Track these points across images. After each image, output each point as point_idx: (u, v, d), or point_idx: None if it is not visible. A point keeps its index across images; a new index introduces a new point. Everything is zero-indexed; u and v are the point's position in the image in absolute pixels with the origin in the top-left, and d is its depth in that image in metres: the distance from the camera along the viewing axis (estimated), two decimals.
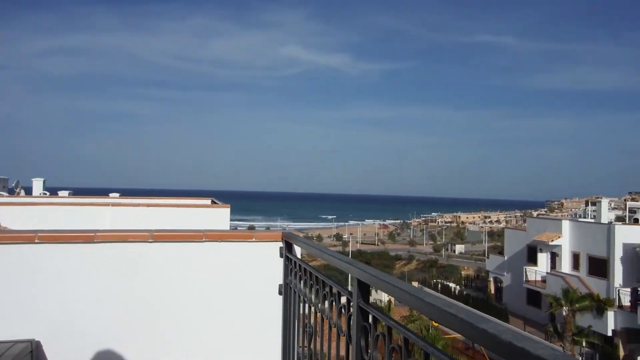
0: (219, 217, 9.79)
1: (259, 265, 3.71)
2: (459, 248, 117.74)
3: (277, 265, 3.69)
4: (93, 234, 3.59)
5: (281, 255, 3.68)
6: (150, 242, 3.59)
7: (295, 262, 3.35)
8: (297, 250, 3.63)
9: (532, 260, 42.64)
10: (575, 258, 39.38)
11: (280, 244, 3.72)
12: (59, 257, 3.56)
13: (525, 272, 41.83)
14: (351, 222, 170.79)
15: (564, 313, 34.22)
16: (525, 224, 50.95)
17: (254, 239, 3.75)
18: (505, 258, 47.22)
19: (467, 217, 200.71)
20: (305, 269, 3.08)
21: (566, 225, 40.33)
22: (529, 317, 39.84)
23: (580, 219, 42.99)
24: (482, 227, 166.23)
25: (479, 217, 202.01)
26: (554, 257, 40.97)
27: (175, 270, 3.59)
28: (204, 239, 3.62)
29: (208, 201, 17.79)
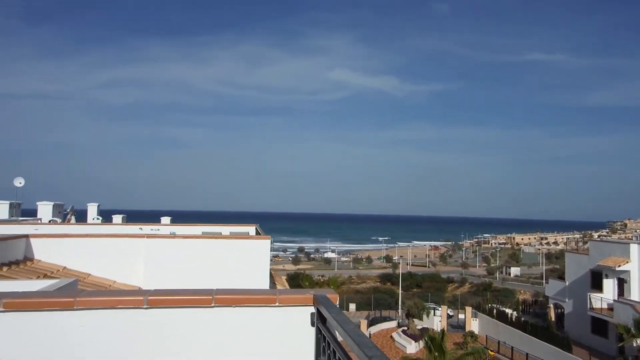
0: (259, 250, 9.14)
1: (284, 338, 2.89)
2: (514, 271, 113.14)
3: (308, 338, 2.88)
4: (72, 300, 2.85)
5: (312, 324, 2.88)
6: (145, 308, 2.86)
7: (329, 337, 2.55)
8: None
9: (597, 287, 39.89)
10: None
11: (312, 309, 2.91)
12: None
13: (590, 299, 39.13)
14: (401, 244, 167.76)
15: (635, 344, 31.65)
16: (587, 246, 48.04)
17: (277, 304, 2.93)
18: (567, 283, 44.47)
19: (522, 239, 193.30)
20: (342, 352, 2.27)
21: (635, 249, 37.56)
22: (595, 347, 37.14)
23: None
24: (538, 249, 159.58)
25: (535, 238, 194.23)
26: (622, 283, 38.16)
27: (175, 345, 2.83)
28: (213, 304, 2.86)
29: (252, 228, 17.30)
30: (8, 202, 25.61)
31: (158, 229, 16.25)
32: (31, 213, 28.44)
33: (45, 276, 7.81)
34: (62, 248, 8.75)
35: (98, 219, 30.99)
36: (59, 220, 25.78)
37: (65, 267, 8.61)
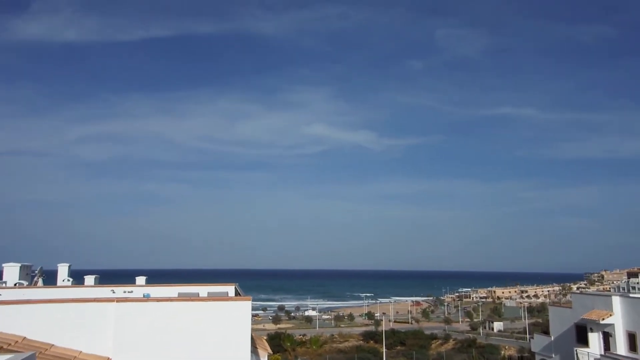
0: (239, 312, 8.49)
1: None
2: (497, 325, 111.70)
3: None
4: None
5: None
6: None
7: None
8: None
9: (583, 341, 39.15)
10: (632, 338, 35.96)
11: None
12: None
13: (577, 354, 38.28)
14: (382, 300, 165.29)
15: None
16: (568, 299, 47.63)
17: None
18: (552, 338, 43.64)
19: (503, 292, 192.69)
20: None
21: (617, 301, 37.18)
22: None
23: (631, 294, 39.69)
24: (519, 302, 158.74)
25: (515, 291, 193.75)
26: (607, 337, 37.54)
27: None
28: None
29: (232, 288, 16.53)
30: None
31: (131, 291, 15.39)
32: None
33: (1, 349, 7.04)
34: (22, 316, 7.96)
35: (69, 280, 29.60)
36: (25, 283, 24.50)
37: (25, 338, 7.81)
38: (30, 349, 7.39)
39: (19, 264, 26.36)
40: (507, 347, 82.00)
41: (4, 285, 23.47)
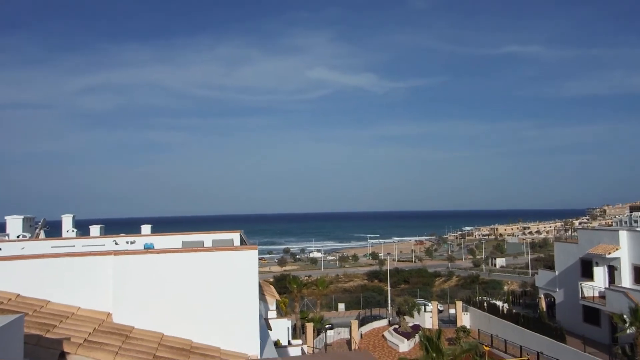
0: (246, 262, 8.05)
1: None
2: (500, 262, 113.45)
3: None
4: None
5: None
6: None
7: None
8: None
9: (588, 275, 39.49)
10: (637, 271, 36.20)
11: None
12: None
13: (581, 287, 38.69)
14: (386, 240, 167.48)
15: (629, 332, 31.23)
16: (570, 234, 47.82)
17: None
18: (557, 273, 44.07)
19: (505, 229, 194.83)
20: None
21: (624, 235, 37.19)
22: (588, 337, 36.69)
23: (638, 229, 39.65)
24: (521, 238, 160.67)
25: (517, 228, 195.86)
26: (612, 270, 37.79)
27: None
28: None
29: (237, 235, 16.14)
30: None
31: (134, 241, 15.02)
32: (0, 228, 26.83)
33: None
34: (16, 272, 7.53)
35: (73, 231, 29.41)
36: (28, 235, 24.26)
37: (19, 295, 7.40)
38: (25, 307, 6.97)
39: (22, 216, 26.04)
40: (509, 282, 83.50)
41: (6, 238, 23.24)
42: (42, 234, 25.90)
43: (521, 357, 35.40)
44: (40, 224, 27.43)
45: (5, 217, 26.02)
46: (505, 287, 77.57)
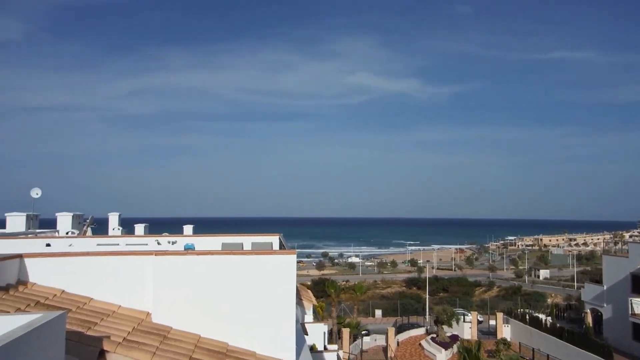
0: (284, 266, 8.04)
1: None
2: (544, 273, 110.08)
3: None
4: None
5: None
6: None
7: None
8: None
9: (639, 291, 37.83)
10: None
11: None
12: None
13: (631, 304, 37.11)
14: (425, 247, 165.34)
15: None
16: (620, 247, 45.89)
17: None
18: (605, 287, 42.39)
19: (550, 240, 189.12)
20: None
21: None
22: (637, 355, 35.15)
23: None
24: (567, 250, 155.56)
25: (563, 239, 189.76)
26: None
27: None
28: None
29: (275, 238, 16.22)
30: (25, 214, 24.99)
31: (175, 241, 15.30)
32: (51, 224, 27.83)
33: (38, 304, 6.80)
34: (60, 269, 7.76)
35: (119, 229, 30.25)
36: (77, 232, 25.07)
37: (63, 291, 7.60)
38: (69, 303, 7.15)
39: (72, 214, 26.96)
40: (553, 295, 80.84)
41: (56, 234, 24.10)
42: (89, 231, 26.71)
43: None
44: (88, 221, 28.30)
45: (56, 214, 26.99)
46: (549, 300, 75.13)
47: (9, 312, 6.06)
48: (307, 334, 16.25)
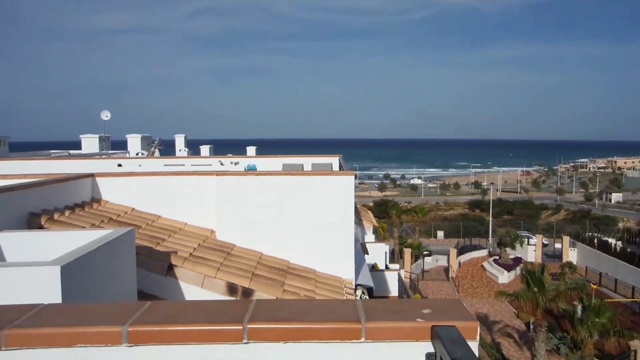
0: (343, 187, 8.05)
1: None
2: (616, 197, 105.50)
3: None
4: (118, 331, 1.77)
5: None
6: (245, 343, 1.77)
7: None
8: None
9: None
10: None
11: (427, 347, 1.64)
12: None
13: None
14: (490, 170, 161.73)
15: None
16: None
17: (363, 340, 1.67)
18: None
19: (625, 162, 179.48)
20: None
21: None
22: None
23: None
24: None
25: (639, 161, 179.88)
26: None
27: None
28: (283, 340, 1.72)
29: (335, 159, 16.23)
30: (97, 135, 26.24)
31: (238, 162, 15.65)
32: (122, 145, 29.18)
33: (111, 220, 7.21)
34: (132, 188, 8.16)
35: (185, 150, 31.37)
36: (145, 153, 26.18)
37: (134, 209, 8.01)
38: (139, 220, 7.53)
39: (140, 135, 28.10)
40: (625, 219, 77.83)
41: (127, 155, 25.28)
42: (157, 152, 27.82)
43: (633, 297, 33.47)
44: (155, 142, 29.41)
45: (126, 135, 28.22)
46: (621, 225, 72.50)
47: (84, 227, 6.46)
48: (367, 254, 16.57)
